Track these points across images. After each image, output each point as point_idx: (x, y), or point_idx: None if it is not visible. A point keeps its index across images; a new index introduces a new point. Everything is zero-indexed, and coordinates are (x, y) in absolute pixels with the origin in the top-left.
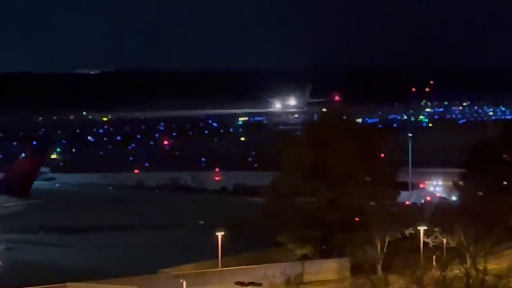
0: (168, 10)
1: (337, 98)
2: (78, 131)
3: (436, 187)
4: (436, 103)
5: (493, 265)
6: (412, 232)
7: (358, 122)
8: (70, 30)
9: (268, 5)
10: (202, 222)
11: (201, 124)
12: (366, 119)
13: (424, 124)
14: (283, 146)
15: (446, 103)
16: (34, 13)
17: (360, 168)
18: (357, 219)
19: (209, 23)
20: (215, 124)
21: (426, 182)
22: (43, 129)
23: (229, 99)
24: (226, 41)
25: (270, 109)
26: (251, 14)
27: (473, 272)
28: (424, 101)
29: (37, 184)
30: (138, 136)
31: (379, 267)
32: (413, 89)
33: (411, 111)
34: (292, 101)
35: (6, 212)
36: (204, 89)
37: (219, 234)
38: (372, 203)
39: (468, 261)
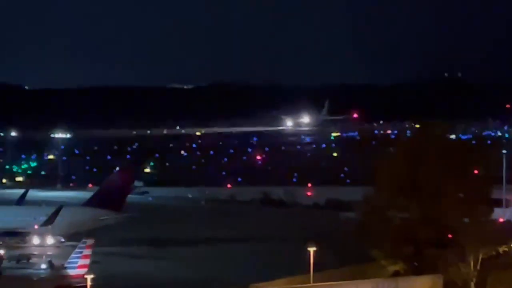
0: (260, 24)
1: (355, 115)
2: (171, 145)
3: None
4: None
5: None
6: (506, 249)
7: (451, 138)
8: (163, 44)
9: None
10: (293, 236)
11: (293, 139)
12: (460, 135)
13: None
14: (377, 161)
15: None
16: (130, 28)
17: (453, 184)
18: (450, 235)
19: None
20: (307, 139)
21: None
22: (137, 143)
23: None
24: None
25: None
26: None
27: None
28: None
29: (131, 197)
30: (231, 151)
31: (472, 285)
32: (507, 105)
33: (506, 127)
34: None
35: (101, 225)
36: (295, 103)
37: (311, 249)
38: (466, 220)
39: None
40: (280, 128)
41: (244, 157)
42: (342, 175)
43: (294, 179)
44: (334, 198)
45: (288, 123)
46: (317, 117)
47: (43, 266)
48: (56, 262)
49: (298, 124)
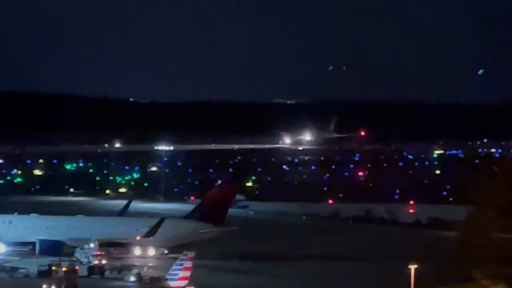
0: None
1: (362, 133)
2: (273, 159)
3: None
4: None
5: None
6: None
7: None
8: (269, 59)
9: None
10: (394, 255)
11: (395, 156)
12: None
13: None
14: (480, 180)
15: None
16: (234, 43)
17: None
18: None
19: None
20: (410, 157)
21: None
22: (239, 157)
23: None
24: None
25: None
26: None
27: None
28: None
29: (232, 211)
30: (333, 167)
31: None
32: None
33: None
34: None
35: (201, 238)
36: (397, 120)
37: (412, 267)
38: None
39: None
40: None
41: (346, 173)
42: (444, 193)
43: (396, 196)
44: (436, 216)
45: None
46: (321, 134)
47: (132, 278)
48: (156, 274)
49: (299, 142)
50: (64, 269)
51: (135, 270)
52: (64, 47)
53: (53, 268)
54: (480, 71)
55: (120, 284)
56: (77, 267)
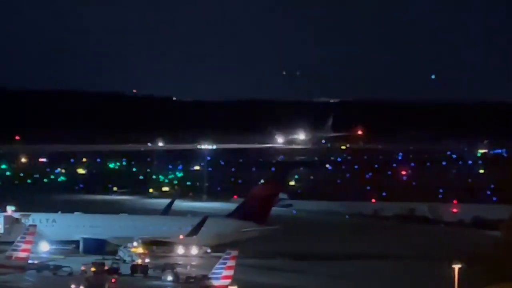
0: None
1: (360, 132)
2: (316, 158)
3: None
4: None
5: None
6: None
7: None
8: (314, 59)
9: None
10: (437, 254)
11: (438, 155)
12: None
13: None
14: None
15: None
16: (276, 42)
17: None
18: None
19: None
20: (453, 156)
21: None
22: (282, 156)
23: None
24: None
25: None
26: None
27: None
28: None
29: (275, 210)
30: (376, 166)
31: None
32: None
33: None
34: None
35: (244, 237)
36: (441, 119)
37: (456, 267)
38: None
39: None
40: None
41: (389, 172)
42: (488, 192)
43: (440, 195)
44: (480, 215)
45: (279, 140)
46: (317, 133)
47: (169, 278)
48: (199, 273)
49: (292, 141)
50: (92, 269)
51: (171, 270)
52: (109, 46)
53: (82, 268)
54: (433, 76)
55: (157, 284)
56: (106, 268)
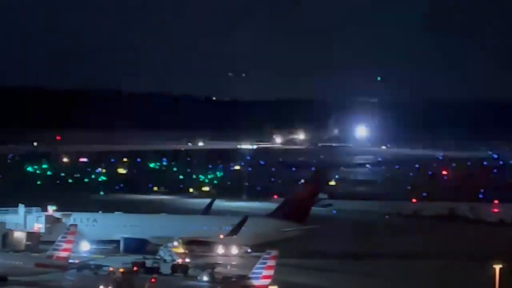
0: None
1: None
2: (356, 157)
3: None
4: None
5: None
6: None
7: None
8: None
9: None
10: (477, 254)
11: (481, 156)
12: None
13: None
14: None
15: None
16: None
17: None
18: None
19: None
20: (494, 156)
21: None
22: (322, 156)
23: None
24: None
25: None
26: None
27: None
28: None
29: (315, 210)
30: (417, 166)
31: None
32: None
33: None
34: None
35: (283, 237)
36: (482, 118)
37: (497, 267)
38: None
39: None
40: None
41: (430, 172)
42: None
43: (480, 196)
44: None
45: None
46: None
47: (205, 278)
48: (239, 272)
49: (291, 141)
50: (121, 270)
51: (208, 271)
52: (149, 47)
53: (111, 269)
54: (378, 78)
55: (193, 284)
56: (134, 269)
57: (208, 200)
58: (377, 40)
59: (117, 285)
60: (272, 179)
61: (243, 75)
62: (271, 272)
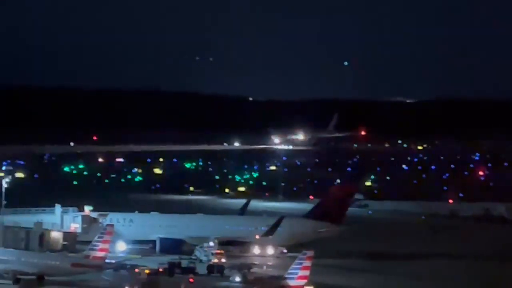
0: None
1: (363, 132)
2: (392, 158)
3: None
4: None
5: None
6: None
7: None
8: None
9: None
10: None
11: None
12: None
13: None
14: None
15: None
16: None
17: None
18: None
19: None
20: None
21: None
22: (357, 156)
23: None
24: None
25: None
26: None
27: None
28: None
29: (351, 210)
30: (453, 166)
31: None
32: None
33: None
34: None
35: (319, 237)
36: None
37: None
38: None
39: None
40: None
41: (466, 173)
42: None
43: None
44: None
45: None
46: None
47: (237, 278)
48: (275, 273)
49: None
50: (146, 271)
51: (241, 272)
52: (186, 46)
53: (136, 270)
54: (346, 63)
55: (225, 284)
56: (160, 269)
57: (244, 201)
58: None
59: (142, 286)
60: (308, 180)
61: (211, 59)
62: (306, 273)
